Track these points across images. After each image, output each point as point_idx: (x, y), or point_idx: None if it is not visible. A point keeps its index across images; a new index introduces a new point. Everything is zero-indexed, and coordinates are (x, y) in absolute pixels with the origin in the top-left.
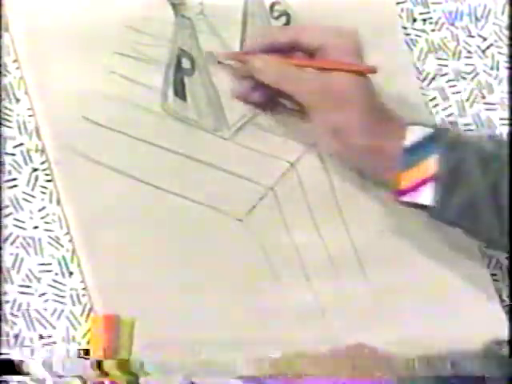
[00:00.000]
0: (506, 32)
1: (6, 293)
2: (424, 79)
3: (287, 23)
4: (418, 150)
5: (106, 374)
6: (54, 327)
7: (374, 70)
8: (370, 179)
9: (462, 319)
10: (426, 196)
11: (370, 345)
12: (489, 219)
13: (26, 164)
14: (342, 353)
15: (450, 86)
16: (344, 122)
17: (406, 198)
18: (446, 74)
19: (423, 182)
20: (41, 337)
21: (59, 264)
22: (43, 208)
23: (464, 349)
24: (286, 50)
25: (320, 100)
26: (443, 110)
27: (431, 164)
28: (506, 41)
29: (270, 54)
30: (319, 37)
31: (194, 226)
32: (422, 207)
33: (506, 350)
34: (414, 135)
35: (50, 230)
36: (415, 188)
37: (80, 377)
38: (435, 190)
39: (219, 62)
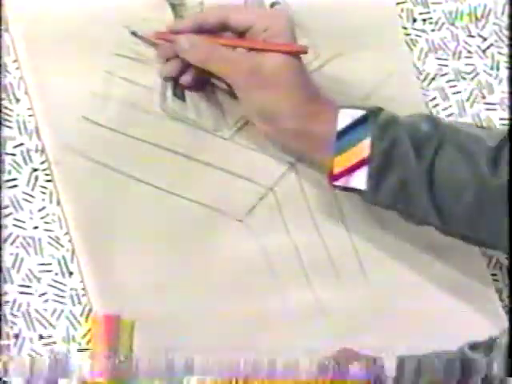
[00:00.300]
0: (506, 32)
1: (6, 293)
2: (424, 79)
3: None
4: (350, 133)
5: None
6: (54, 327)
7: (304, 50)
8: (305, 162)
9: (461, 319)
10: (360, 180)
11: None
12: (423, 201)
13: (26, 164)
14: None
15: (451, 86)
16: (273, 104)
17: (339, 183)
18: (446, 74)
19: (356, 166)
20: (41, 337)
21: (59, 264)
22: (43, 208)
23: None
24: (215, 31)
25: (247, 81)
26: (443, 110)
27: (364, 147)
28: (506, 41)
29: (198, 35)
30: (249, 17)
31: (194, 226)
32: (356, 191)
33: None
34: (345, 118)
35: (49, 230)
36: (349, 172)
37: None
38: (368, 173)
39: (143, 39)
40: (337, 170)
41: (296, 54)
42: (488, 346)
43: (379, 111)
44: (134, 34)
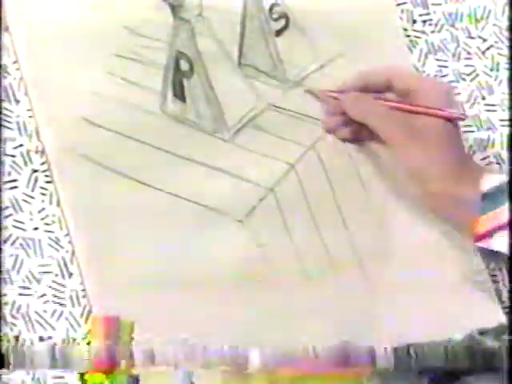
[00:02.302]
0: (506, 33)
1: (5, 294)
2: None
3: (286, 25)
4: (494, 197)
5: None
6: (53, 328)
7: (463, 118)
8: (448, 224)
9: (461, 320)
10: (502, 243)
11: None
12: None
13: (26, 165)
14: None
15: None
16: (427, 165)
17: (481, 244)
18: (446, 75)
19: (499, 228)
20: (41, 338)
21: (59, 265)
22: (43, 209)
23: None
24: (379, 91)
25: (405, 140)
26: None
27: (505, 211)
28: (506, 42)
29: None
30: (413, 81)
31: (194, 227)
32: (498, 253)
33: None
34: (491, 182)
35: (49, 231)
36: (491, 234)
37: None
38: (510, 236)
39: (314, 95)
40: (480, 231)
41: (454, 120)
42: (497, 332)
43: None
44: (308, 91)
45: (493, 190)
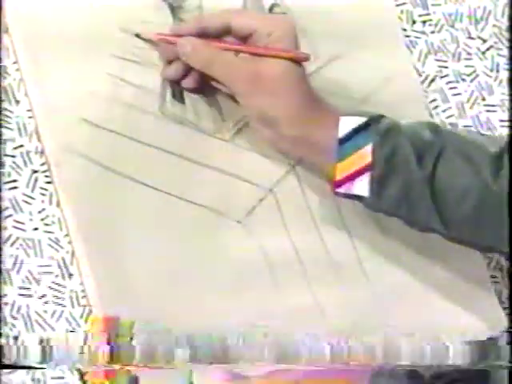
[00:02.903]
0: (506, 34)
1: (5, 295)
2: (424, 81)
3: None
4: (352, 140)
5: None
6: (53, 329)
7: (306, 58)
8: (308, 168)
9: (461, 320)
10: (362, 187)
11: None
12: (426, 208)
13: (26, 166)
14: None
15: (450, 88)
16: (273, 111)
17: (341, 190)
18: (445, 76)
19: (358, 173)
20: (40, 339)
21: (59, 266)
22: (43, 210)
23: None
24: (217, 35)
25: (248, 86)
26: (443, 111)
27: (366, 154)
28: (506, 43)
29: (202, 38)
30: (252, 22)
31: (194, 227)
32: (358, 198)
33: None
34: (347, 125)
35: (49, 232)
36: (350, 179)
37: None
38: (370, 180)
39: (145, 40)
40: (339, 177)
41: (298, 61)
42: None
43: (381, 118)
44: (137, 35)
45: (350, 134)
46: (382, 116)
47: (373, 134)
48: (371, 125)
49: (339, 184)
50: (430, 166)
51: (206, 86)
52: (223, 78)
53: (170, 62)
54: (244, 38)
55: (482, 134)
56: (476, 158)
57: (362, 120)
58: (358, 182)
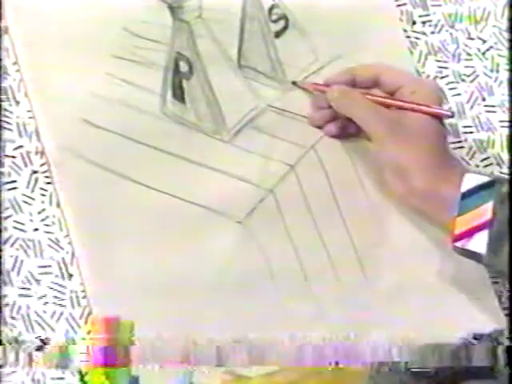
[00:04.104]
0: (506, 34)
1: (5, 295)
2: None
3: (285, 26)
4: (474, 196)
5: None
6: (53, 330)
7: (450, 115)
8: (429, 223)
9: (460, 321)
10: (479, 243)
11: None
12: None
13: (26, 166)
14: None
15: (450, 89)
16: (408, 161)
17: (459, 244)
18: (445, 77)
19: (477, 229)
20: (41, 339)
21: (59, 266)
22: (43, 210)
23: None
24: (366, 87)
25: (388, 134)
26: None
27: (486, 211)
28: (506, 43)
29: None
30: (400, 78)
31: (194, 228)
32: (475, 255)
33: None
34: (471, 181)
35: (49, 233)
36: (469, 234)
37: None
38: (488, 237)
39: (302, 88)
40: (458, 231)
41: (441, 117)
42: (492, 337)
43: (505, 180)
44: (294, 83)
45: (472, 190)
46: (504, 178)
47: (495, 193)
48: (495, 185)
49: (457, 238)
50: None
51: (347, 134)
52: (364, 124)
53: (319, 109)
54: (389, 93)
55: None
56: None
57: (486, 178)
58: (476, 238)
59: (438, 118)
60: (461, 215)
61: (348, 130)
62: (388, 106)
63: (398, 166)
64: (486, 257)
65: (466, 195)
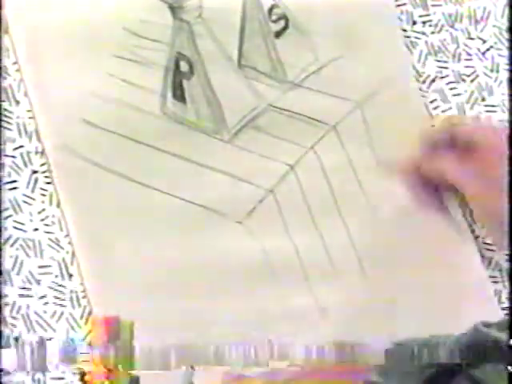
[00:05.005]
0: (506, 34)
1: (5, 295)
2: (424, 81)
3: (286, 27)
4: None
5: None
6: (53, 330)
7: None
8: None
9: (460, 321)
10: None
11: None
12: None
13: (26, 166)
14: None
15: (450, 89)
16: (500, 208)
17: None
18: (445, 76)
19: None
20: (41, 339)
21: (59, 266)
22: (43, 210)
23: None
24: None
25: (482, 191)
26: (443, 112)
27: None
28: (506, 43)
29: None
30: (475, 135)
31: (194, 228)
32: None
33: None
34: None
35: (49, 232)
36: None
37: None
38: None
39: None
40: None
41: None
42: (501, 325)
43: None
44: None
45: None
46: None
47: None
48: None
49: None
50: None
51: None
52: (459, 184)
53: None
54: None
55: None
56: None
57: None
58: None
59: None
60: None
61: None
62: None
63: (495, 217)
64: None
65: None
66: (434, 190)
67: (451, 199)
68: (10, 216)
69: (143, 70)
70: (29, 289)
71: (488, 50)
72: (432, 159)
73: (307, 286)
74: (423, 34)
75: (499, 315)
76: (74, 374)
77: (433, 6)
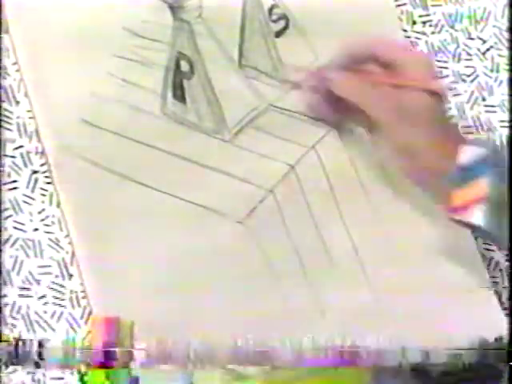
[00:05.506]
0: (506, 34)
1: (5, 295)
2: None
3: (286, 26)
4: (471, 170)
5: None
6: (53, 330)
7: (450, 88)
8: (428, 195)
9: (460, 321)
10: (477, 216)
11: None
12: None
13: (26, 166)
14: None
15: (450, 88)
16: (416, 142)
17: (456, 216)
18: (446, 77)
19: (474, 202)
20: (41, 339)
21: (59, 266)
22: (43, 210)
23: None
24: (360, 62)
25: (392, 117)
26: None
27: (483, 184)
28: (506, 43)
29: (347, 68)
30: (397, 53)
31: (194, 228)
32: (471, 226)
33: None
34: (467, 154)
35: (49, 233)
36: (466, 207)
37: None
38: (485, 210)
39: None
40: (455, 204)
41: (439, 93)
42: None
43: (502, 151)
44: (288, 66)
45: (470, 163)
46: (501, 149)
47: (492, 166)
48: (490, 157)
49: (454, 210)
50: None
51: (343, 118)
52: (368, 108)
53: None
54: (385, 66)
55: None
56: None
57: (483, 151)
58: (473, 211)
59: (437, 92)
60: (459, 188)
61: (343, 112)
62: (388, 85)
63: (403, 146)
64: (484, 229)
65: (463, 168)
66: (336, 106)
67: (360, 123)
68: (10, 216)
69: (143, 70)
70: (29, 289)
71: (488, 50)
72: (344, 76)
73: (307, 285)
74: (423, 34)
75: (499, 317)
76: (74, 374)
77: (433, 6)
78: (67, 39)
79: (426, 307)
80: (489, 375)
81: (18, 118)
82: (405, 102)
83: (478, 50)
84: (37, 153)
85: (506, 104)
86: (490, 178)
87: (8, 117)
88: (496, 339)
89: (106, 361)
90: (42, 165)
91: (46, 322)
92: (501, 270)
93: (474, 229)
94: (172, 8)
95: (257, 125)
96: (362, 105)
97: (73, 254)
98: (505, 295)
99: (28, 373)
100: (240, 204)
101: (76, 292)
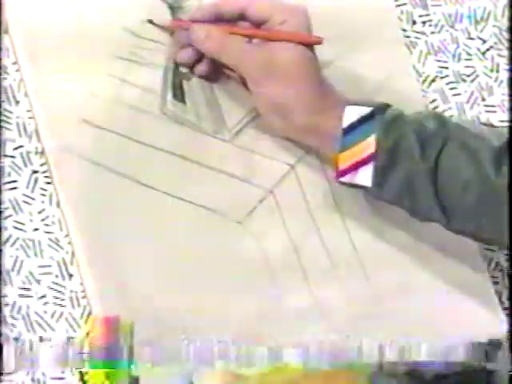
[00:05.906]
0: (506, 34)
1: (5, 295)
2: (424, 81)
3: None
4: (356, 130)
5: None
6: (53, 330)
7: (319, 41)
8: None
9: (461, 321)
10: (365, 177)
11: None
12: (428, 198)
13: (26, 166)
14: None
15: (450, 89)
16: (286, 98)
17: (344, 179)
18: (446, 76)
19: (362, 163)
20: (41, 339)
21: (59, 266)
22: (43, 210)
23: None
24: (232, 21)
25: (260, 73)
26: (443, 112)
27: (370, 144)
28: (506, 43)
29: (216, 24)
30: (267, 9)
31: (194, 228)
32: (361, 187)
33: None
34: (352, 115)
35: (49, 232)
36: (354, 169)
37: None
38: (374, 170)
39: (159, 26)
40: (342, 166)
41: (310, 44)
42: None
43: (386, 108)
44: (150, 22)
45: (354, 124)
46: (387, 106)
47: (377, 124)
48: (376, 115)
49: (343, 173)
50: (432, 157)
51: (218, 74)
52: (235, 65)
53: (183, 48)
54: (258, 25)
55: (487, 125)
56: (479, 151)
57: (367, 110)
58: (361, 172)
59: (309, 45)
60: (345, 150)
61: (219, 70)
62: (256, 38)
63: (275, 104)
64: (373, 189)
65: (348, 129)
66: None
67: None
68: (10, 216)
69: (143, 71)
70: (29, 289)
71: (488, 50)
72: (210, 32)
73: (307, 285)
74: (423, 34)
75: (499, 316)
76: (74, 374)
77: (433, 6)
78: (67, 39)
79: (426, 307)
80: (481, 379)
81: (17, 117)
82: (276, 61)
83: (478, 49)
84: (37, 153)
85: (506, 104)
86: (377, 136)
87: (8, 117)
88: (496, 339)
89: (106, 361)
90: (42, 165)
91: (46, 321)
92: (501, 270)
93: (363, 189)
94: (171, 8)
95: (257, 125)
96: (229, 63)
97: (73, 253)
98: (505, 295)
99: (28, 373)
100: (240, 204)
101: (76, 292)
